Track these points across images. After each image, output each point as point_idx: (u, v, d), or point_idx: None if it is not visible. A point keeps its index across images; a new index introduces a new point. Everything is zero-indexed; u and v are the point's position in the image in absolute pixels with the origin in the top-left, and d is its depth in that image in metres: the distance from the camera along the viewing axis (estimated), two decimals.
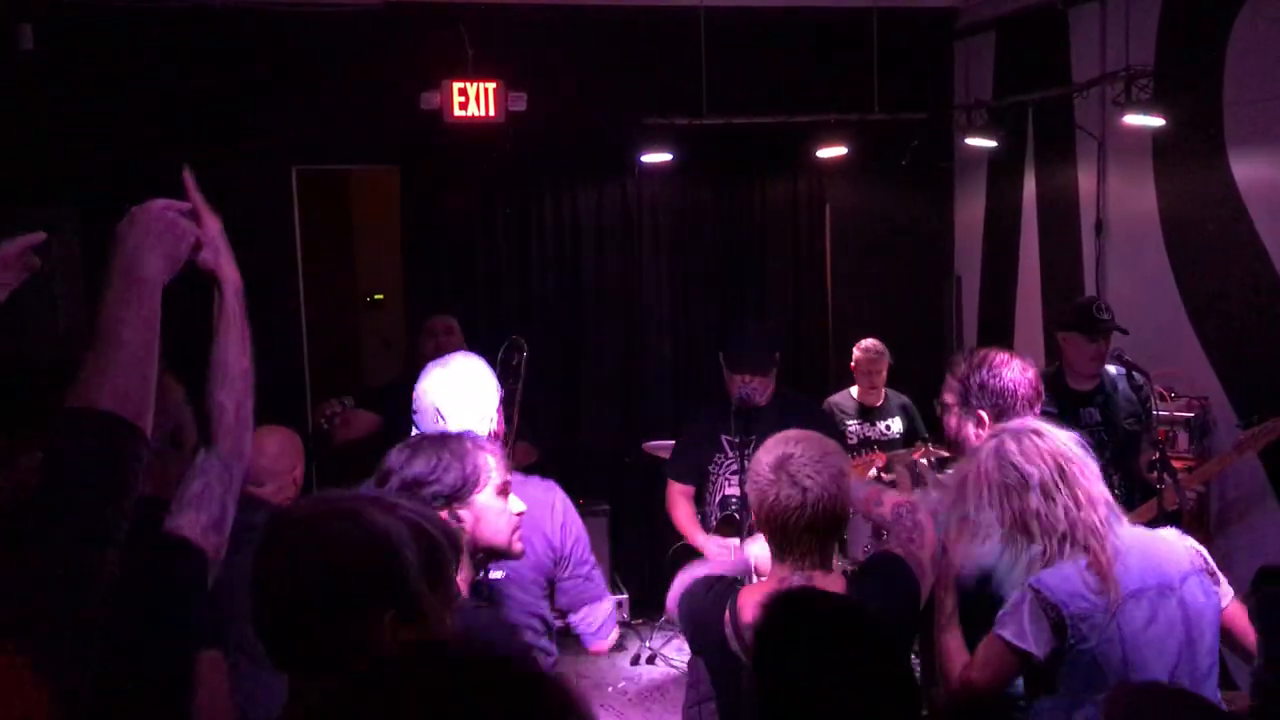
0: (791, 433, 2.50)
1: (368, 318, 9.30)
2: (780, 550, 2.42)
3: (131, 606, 1.67)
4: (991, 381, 2.95)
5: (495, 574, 2.67)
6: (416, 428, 2.88)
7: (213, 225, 2.10)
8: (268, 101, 6.40)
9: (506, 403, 4.41)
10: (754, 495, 2.42)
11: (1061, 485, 2.47)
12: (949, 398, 3.04)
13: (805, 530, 2.35)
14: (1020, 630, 2.44)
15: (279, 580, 1.49)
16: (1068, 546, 2.46)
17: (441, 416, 2.82)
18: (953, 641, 2.62)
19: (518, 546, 2.44)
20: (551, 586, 2.86)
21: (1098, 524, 2.48)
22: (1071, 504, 2.47)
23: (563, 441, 6.90)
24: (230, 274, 2.12)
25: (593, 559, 2.92)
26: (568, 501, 2.90)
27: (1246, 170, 5.33)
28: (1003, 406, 2.93)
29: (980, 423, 2.96)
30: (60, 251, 5.89)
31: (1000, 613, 2.51)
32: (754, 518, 2.48)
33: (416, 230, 6.99)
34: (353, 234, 9.17)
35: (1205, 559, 2.57)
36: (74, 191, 6.03)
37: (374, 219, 8.53)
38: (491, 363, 4.63)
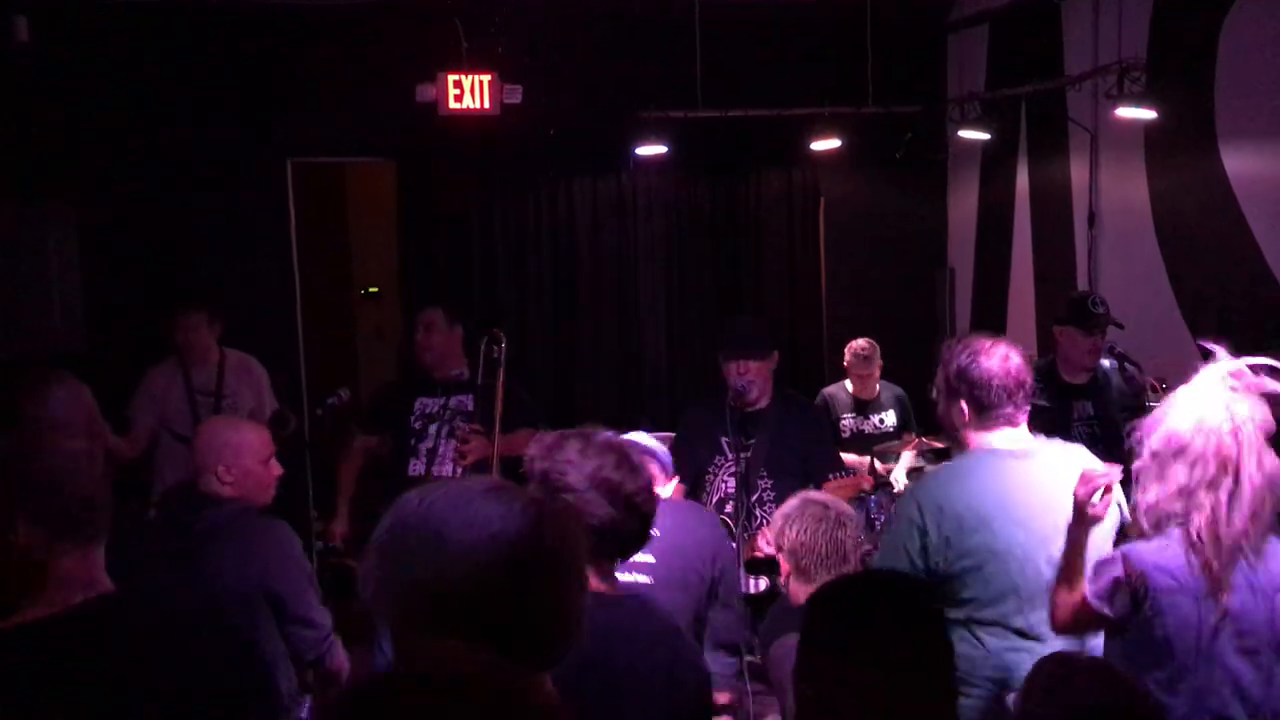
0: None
1: (363, 311, 9.31)
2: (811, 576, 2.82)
3: None
4: (970, 369, 2.89)
5: (638, 576, 2.74)
6: None
7: None
8: (262, 94, 6.40)
9: (489, 393, 4.41)
10: (790, 531, 2.82)
11: (1210, 471, 2.42)
12: (938, 382, 3.04)
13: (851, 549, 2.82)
14: (1100, 590, 2.48)
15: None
16: (1172, 529, 2.45)
17: None
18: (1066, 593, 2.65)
19: None
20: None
21: (1225, 524, 2.40)
22: (1206, 491, 2.41)
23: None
24: None
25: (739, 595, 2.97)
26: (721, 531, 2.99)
27: (1238, 162, 5.35)
28: (980, 395, 2.87)
29: (961, 411, 2.92)
30: (56, 245, 5.90)
31: (1095, 563, 2.55)
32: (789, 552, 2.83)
33: (412, 223, 7.00)
34: (349, 227, 9.17)
35: None
36: (70, 185, 6.04)
37: (370, 212, 8.54)
38: (475, 355, 4.63)
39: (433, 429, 4.78)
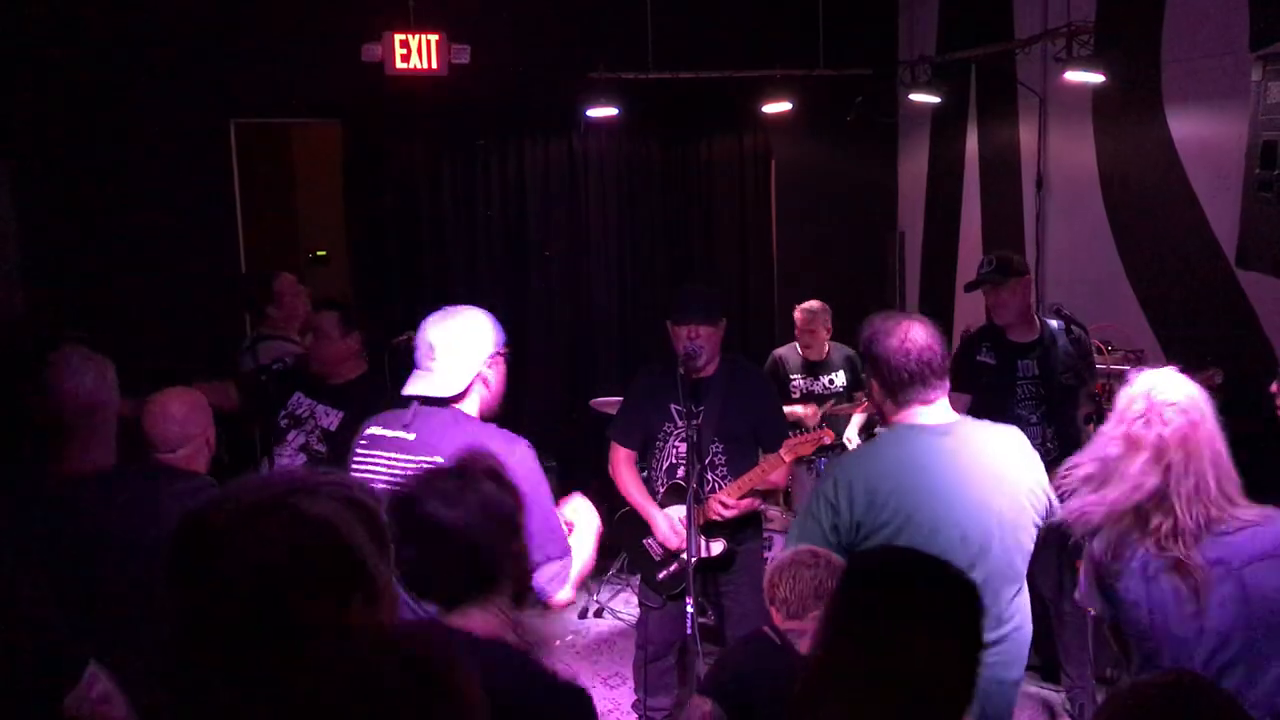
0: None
1: (311, 275, 9.19)
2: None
3: None
4: (874, 349, 2.85)
5: None
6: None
7: None
8: (205, 53, 6.26)
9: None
10: (780, 583, 2.76)
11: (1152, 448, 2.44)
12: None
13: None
14: (1082, 589, 2.54)
15: (229, 591, 1.30)
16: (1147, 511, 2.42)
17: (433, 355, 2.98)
18: None
19: None
20: None
21: (1181, 491, 2.39)
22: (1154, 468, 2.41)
23: (509, 397, 6.87)
24: None
25: (552, 514, 2.84)
26: (530, 455, 2.85)
27: (1183, 127, 5.41)
28: (886, 376, 2.84)
29: (875, 388, 2.91)
30: None
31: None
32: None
33: (360, 185, 6.89)
34: (295, 189, 9.03)
35: None
36: (7, 146, 5.88)
37: (317, 174, 8.40)
38: (378, 359, 4.27)
39: (291, 436, 4.34)
